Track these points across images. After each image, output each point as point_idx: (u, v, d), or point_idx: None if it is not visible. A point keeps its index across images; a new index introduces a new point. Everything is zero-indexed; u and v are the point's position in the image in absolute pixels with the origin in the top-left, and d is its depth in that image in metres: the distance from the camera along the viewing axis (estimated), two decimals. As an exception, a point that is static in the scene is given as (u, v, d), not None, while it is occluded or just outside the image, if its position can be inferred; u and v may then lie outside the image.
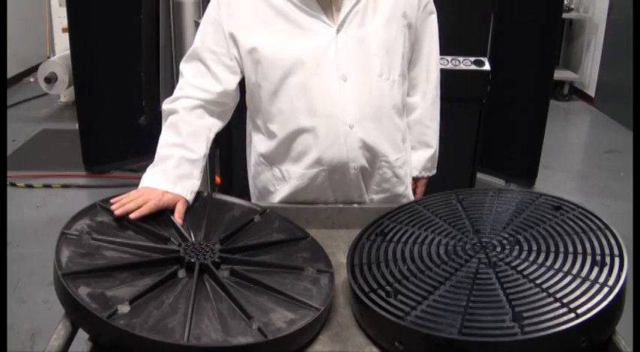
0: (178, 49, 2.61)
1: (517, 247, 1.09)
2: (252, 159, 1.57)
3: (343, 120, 1.38)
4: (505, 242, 1.11)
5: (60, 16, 4.86)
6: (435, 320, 0.93)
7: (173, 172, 1.30)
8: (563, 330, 0.87)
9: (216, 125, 1.44)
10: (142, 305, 0.96)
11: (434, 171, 1.67)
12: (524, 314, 0.90)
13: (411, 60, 1.52)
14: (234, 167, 3.11)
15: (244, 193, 1.56)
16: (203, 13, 2.73)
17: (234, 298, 1.01)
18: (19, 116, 5.10)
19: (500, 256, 1.07)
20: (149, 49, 2.60)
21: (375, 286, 1.04)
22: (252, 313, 0.98)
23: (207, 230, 1.22)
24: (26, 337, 2.39)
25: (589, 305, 0.90)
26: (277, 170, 1.49)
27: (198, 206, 1.30)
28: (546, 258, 1.04)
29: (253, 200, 1.61)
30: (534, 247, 1.08)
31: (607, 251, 1.02)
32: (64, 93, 5.19)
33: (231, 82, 1.43)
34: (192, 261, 1.07)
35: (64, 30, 4.75)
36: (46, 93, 5.18)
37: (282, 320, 0.99)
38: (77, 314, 0.94)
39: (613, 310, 0.93)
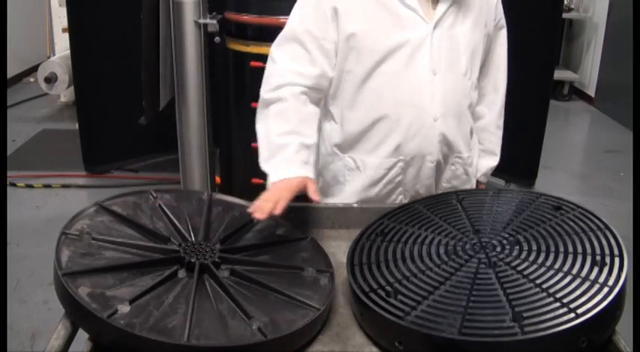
0: (178, 49, 2.61)
1: (517, 247, 1.09)
2: (322, 150, 1.57)
3: (429, 112, 1.40)
4: (505, 242, 1.11)
5: (60, 16, 4.86)
6: (435, 320, 0.93)
7: (296, 158, 1.31)
8: (563, 330, 0.87)
9: (317, 113, 1.44)
10: (142, 305, 0.96)
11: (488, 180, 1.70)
12: (524, 314, 0.90)
13: (481, 70, 1.55)
14: (234, 167, 3.11)
15: (244, 193, 1.55)
16: (203, 13, 2.73)
17: (234, 298, 1.01)
18: (19, 116, 5.10)
19: (501, 256, 1.07)
20: (149, 49, 2.60)
21: (375, 286, 1.04)
22: (252, 313, 0.98)
23: (207, 230, 1.22)
24: (26, 337, 2.39)
25: (589, 305, 0.90)
26: (351, 159, 1.49)
27: (198, 206, 1.30)
28: (546, 258, 1.04)
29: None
30: (534, 247, 1.08)
31: (607, 251, 1.03)
32: (64, 93, 5.19)
33: (328, 66, 1.42)
34: (193, 260, 1.07)
35: (64, 30, 4.75)
36: (46, 93, 5.19)
37: (282, 320, 0.99)
38: (77, 314, 0.94)
39: (613, 310, 0.93)
